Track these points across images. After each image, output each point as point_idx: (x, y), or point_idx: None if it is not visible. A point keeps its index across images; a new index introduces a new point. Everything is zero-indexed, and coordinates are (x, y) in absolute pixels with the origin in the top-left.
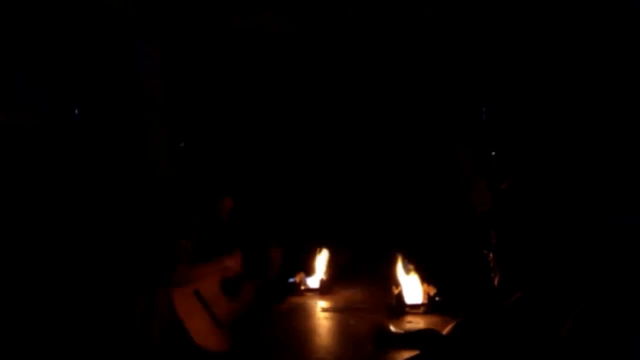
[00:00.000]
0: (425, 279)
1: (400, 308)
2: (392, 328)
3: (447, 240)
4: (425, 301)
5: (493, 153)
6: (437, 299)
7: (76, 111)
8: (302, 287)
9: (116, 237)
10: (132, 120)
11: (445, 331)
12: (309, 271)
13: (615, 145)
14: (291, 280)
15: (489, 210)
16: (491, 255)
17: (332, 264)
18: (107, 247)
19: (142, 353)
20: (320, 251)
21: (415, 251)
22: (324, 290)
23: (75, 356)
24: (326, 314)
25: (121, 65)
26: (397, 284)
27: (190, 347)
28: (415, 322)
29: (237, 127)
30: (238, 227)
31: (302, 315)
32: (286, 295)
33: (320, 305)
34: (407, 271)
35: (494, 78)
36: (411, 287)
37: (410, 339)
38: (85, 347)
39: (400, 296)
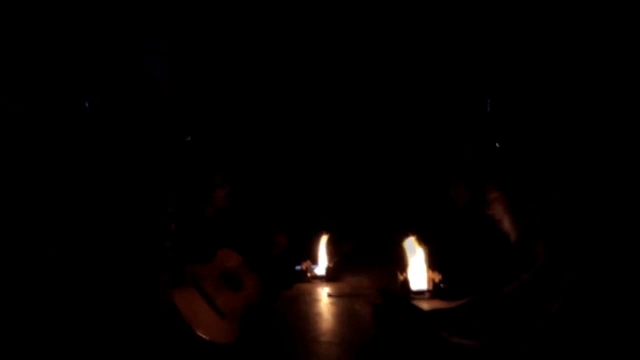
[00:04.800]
0: (431, 266)
1: (405, 294)
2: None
3: (451, 229)
4: (430, 288)
5: (497, 145)
6: (442, 285)
7: (87, 104)
8: (309, 275)
9: (119, 233)
10: (139, 114)
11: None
12: (315, 259)
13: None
14: (298, 268)
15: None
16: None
17: (337, 252)
18: (110, 244)
19: (148, 351)
20: (325, 240)
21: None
22: (330, 277)
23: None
24: (332, 300)
25: (129, 61)
26: (403, 271)
27: (196, 342)
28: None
29: (243, 119)
30: (240, 217)
31: (309, 301)
32: (293, 282)
33: (326, 292)
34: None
35: (500, 70)
36: (417, 274)
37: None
38: (91, 344)
39: (405, 282)
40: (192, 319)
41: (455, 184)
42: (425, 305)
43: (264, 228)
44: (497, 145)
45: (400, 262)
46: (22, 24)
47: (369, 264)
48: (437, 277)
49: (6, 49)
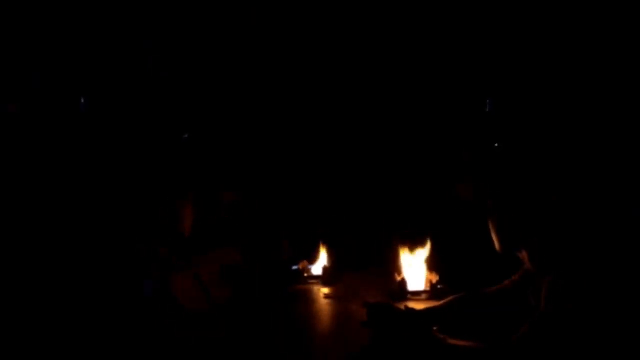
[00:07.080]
0: (429, 266)
1: (402, 294)
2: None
3: (449, 229)
4: (428, 288)
5: (496, 145)
6: (439, 286)
7: (82, 100)
8: (306, 275)
9: (120, 225)
10: (137, 112)
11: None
12: (313, 259)
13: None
14: (295, 268)
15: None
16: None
17: (334, 253)
18: (112, 235)
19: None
20: (323, 240)
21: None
22: (327, 278)
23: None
24: (328, 301)
25: (127, 58)
26: (400, 271)
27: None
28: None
29: (241, 120)
30: (241, 218)
31: (305, 302)
32: (290, 283)
33: (322, 292)
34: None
35: (499, 69)
36: (414, 274)
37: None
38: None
39: (402, 283)
40: (185, 303)
41: (458, 183)
42: (421, 307)
43: (264, 228)
44: (496, 145)
45: (397, 263)
46: (21, 24)
47: (366, 265)
48: (435, 278)
49: (5, 49)
